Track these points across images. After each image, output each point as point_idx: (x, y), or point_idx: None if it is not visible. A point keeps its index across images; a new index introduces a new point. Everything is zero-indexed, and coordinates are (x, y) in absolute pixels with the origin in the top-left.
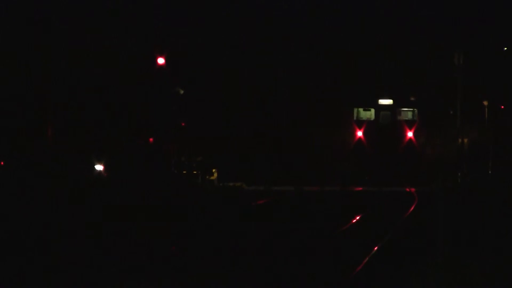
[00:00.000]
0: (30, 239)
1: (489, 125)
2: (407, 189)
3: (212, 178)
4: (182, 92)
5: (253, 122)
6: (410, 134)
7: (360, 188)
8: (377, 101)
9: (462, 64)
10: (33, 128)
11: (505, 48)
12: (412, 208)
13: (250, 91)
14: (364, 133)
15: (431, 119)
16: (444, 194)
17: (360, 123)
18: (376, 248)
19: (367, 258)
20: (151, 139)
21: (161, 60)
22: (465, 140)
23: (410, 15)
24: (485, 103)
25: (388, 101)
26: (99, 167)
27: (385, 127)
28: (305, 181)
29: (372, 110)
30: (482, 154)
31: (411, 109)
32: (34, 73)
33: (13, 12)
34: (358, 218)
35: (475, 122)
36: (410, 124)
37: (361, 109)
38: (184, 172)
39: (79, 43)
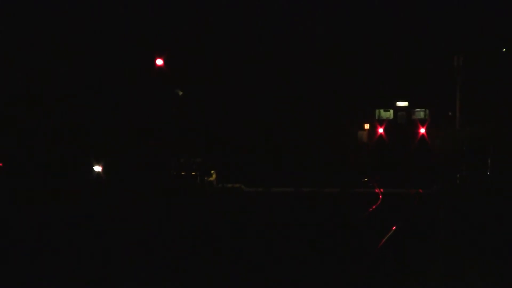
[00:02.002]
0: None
1: (489, 126)
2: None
3: (211, 179)
4: (181, 93)
5: (256, 122)
6: (422, 130)
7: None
8: (395, 103)
9: (462, 66)
10: (32, 129)
11: (504, 49)
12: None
13: (254, 90)
14: (384, 130)
15: (439, 118)
16: (442, 200)
17: (381, 122)
18: None
19: None
20: (150, 141)
21: (159, 61)
22: (465, 141)
23: (412, 17)
24: (485, 103)
25: (404, 103)
26: (97, 168)
27: (402, 125)
28: (304, 182)
29: (391, 111)
30: (482, 155)
31: (423, 109)
32: (32, 74)
33: (13, 13)
34: None
35: (475, 123)
36: (422, 122)
37: (382, 110)
38: (183, 173)
39: (77, 43)
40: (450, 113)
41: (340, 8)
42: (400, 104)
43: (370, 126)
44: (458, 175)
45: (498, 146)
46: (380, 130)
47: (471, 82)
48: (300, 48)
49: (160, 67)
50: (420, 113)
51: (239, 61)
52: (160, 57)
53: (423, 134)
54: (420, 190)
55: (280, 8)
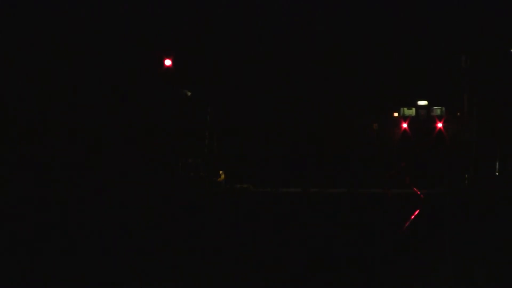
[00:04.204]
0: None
1: (497, 127)
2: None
3: (219, 180)
4: (189, 94)
5: (263, 123)
6: (440, 125)
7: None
8: (417, 102)
9: (469, 67)
10: (41, 129)
11: None
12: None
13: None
14: (408, 125)
15: (453, 116)
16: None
17: (405, 118)
18: None
19: None
20: (158, 142)
21: (168, 62)
22: (473, 143)
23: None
24: (492, 104)
25: (424, 102)
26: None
27: (422, 121)
28: (312, 182)
29: (413, 109)
30: (490, 154)
31: (440, 107)
32: (32, 73)
33: (13, 13)
34: None
35: (483, 123)
36: (440, 118)
37: (405, 108)
38: (191, 173)
39: (82, 45)
40: (458, 114)
41: (340, 8)
42: (421, 103)
43: (394, 122)
44: (466, 176)
45: (505, 147)
46: (404, 125)
47: (480, 83)
48: (300, 48)
49: (168, 67)
50: (437, 110)
51: (239, 61)
52: (168, 57)
53: (440, 128)
54: (424, 191)
55: (280, 8)
